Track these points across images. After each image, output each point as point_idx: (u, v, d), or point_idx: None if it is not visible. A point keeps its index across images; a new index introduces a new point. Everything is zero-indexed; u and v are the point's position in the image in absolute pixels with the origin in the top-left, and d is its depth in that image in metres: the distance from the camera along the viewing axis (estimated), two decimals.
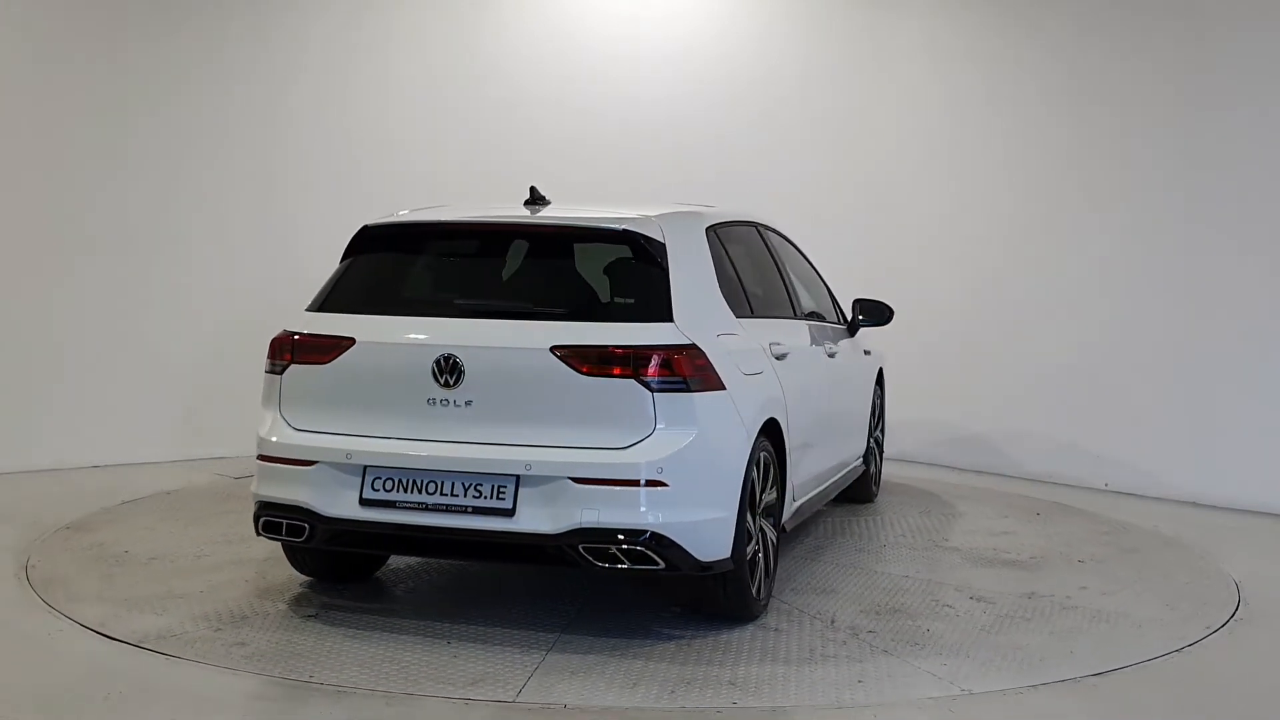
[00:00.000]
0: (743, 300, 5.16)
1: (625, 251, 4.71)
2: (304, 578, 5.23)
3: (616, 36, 9.16)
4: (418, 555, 4.97)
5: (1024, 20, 8.57)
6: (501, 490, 4.35)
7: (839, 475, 6.37)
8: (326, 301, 4.86)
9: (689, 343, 4.43)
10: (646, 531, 4.27)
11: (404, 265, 5.04)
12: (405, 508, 4.45)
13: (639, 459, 4.29)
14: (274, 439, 4.69)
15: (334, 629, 4.65)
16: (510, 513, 4.34)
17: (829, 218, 8.97)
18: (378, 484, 4.48)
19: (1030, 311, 8.51)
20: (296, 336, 4.74)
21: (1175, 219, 7.85)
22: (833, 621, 4.87)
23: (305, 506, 4.55)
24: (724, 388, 4.49)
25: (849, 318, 6.65)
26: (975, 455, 8.65)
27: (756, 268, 5.71)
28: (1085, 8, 8.27)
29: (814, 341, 5.91)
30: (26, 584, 5.20)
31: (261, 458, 4.72)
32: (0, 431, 7.64)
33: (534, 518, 4.31)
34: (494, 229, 5.03)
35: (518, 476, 4.34)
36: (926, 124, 9.10)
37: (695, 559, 4.36)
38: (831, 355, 6.09)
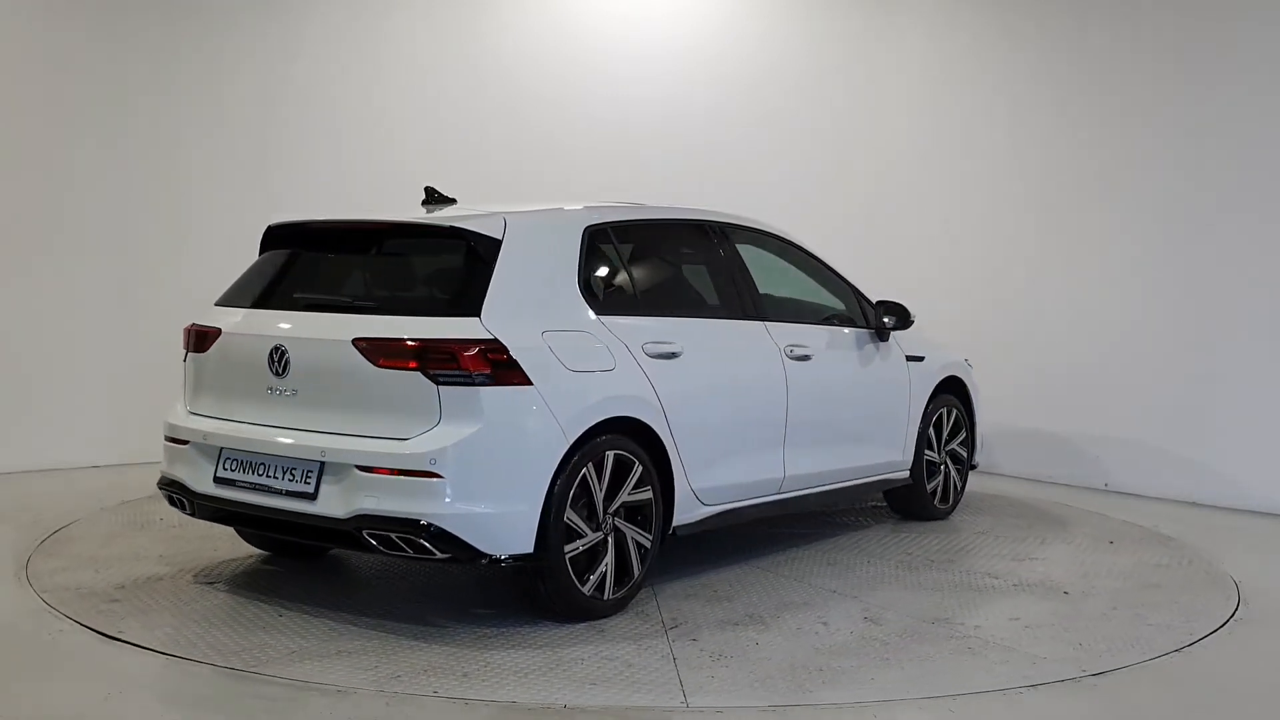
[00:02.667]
0: (630, 299, 5.22)
1: (457, 248, 4.80)
2: (256, 551, 5.67)
3: (616, 36, 9.15)
4: (257, 530, 5.19)
5: (1031, 16, 8.56)
6: (308, 475, 4.60)
7: (833, 485, 6.12)
8: (227, 295, 5.24)
9: (489, 338, 4.49)
10: (419, 520, 4.37)
11: (284, 261, 5.25)
12: (243, 487, 4.78)
13: (414, 450, 4.40)
14: (169, 420, 5.16)
15: (203, 598, 5.05)
16: (312, 496, 4.57)
17: (832, 218, 8.96)
18: (227, 464, 4.86)
19: (1032, 312, 8.51)
20: (193, 328, 5.18)
21: (1177, 220, 7.85)
22: (675, 627, 4.77)
23: (180, 481, 5.00)
24: (530, 383, 4.53)
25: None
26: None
27: (685, 267, 5.77)
28: (1091, 2, 8.25)
29: (762, 343, 5.65)
30: (26, 584, 5.20)
31: (164, 437, 5.16)
32: (0, 431, 7.65)
33: (330, 503, 4.52)
34: (346, 228, 5.15)
35: (321, 463, 4.56)
36: (932, 123, 9.09)
37: (479, 551, 4.44)
38: (803, 359, 5.78)
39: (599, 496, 4.77)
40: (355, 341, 4.55)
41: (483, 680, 4.13)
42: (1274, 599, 5.52)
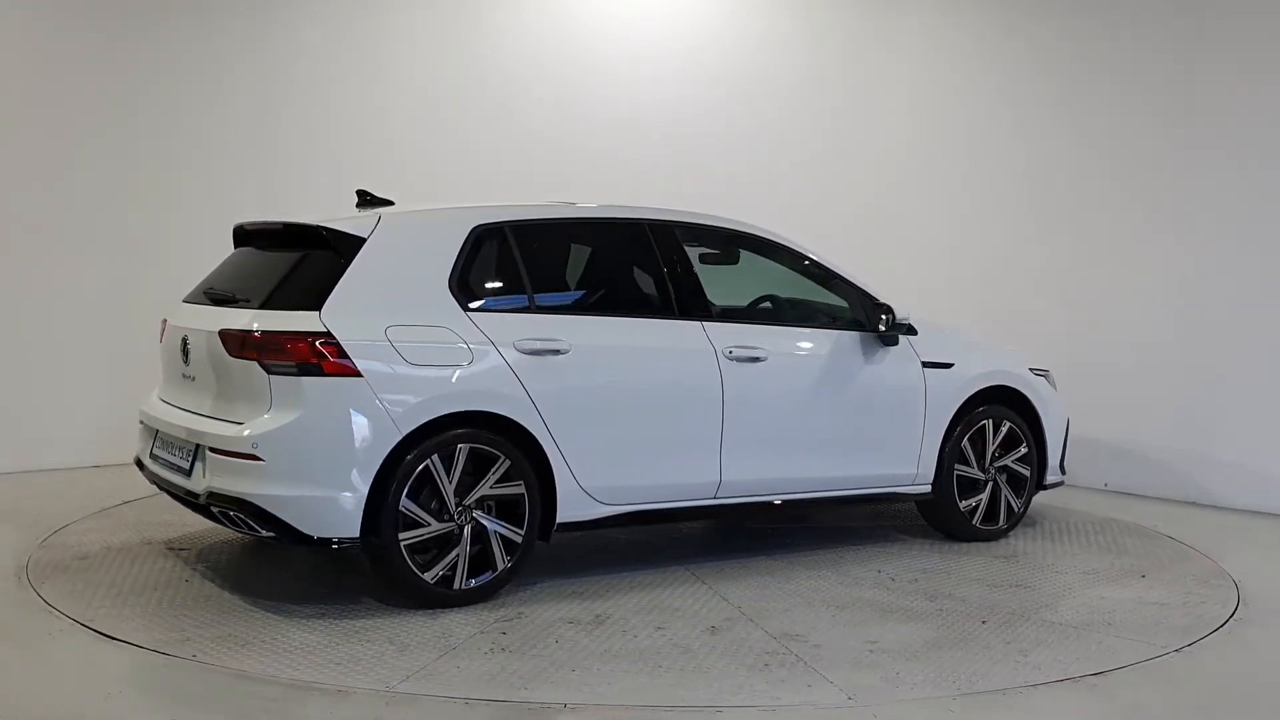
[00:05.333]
0: (515, 297, 5.28)
1: (325, 246, 5.08)
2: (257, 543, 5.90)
3: (616, 36, 9.13)
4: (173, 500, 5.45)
5: (1033, 14, 8.55)
6: (188, 453, 5.03)
7: (804, 494, 5.89)
8: (191, 291, 5.62)
9: (319, 331, 4.73)
10: (242, 499, 4.72)
11: (230, 260, 5.66)
12: (161, 463, 5.29)
13: (242, 434, 4.73)
14: (141, 405, 5.65)
15: (149, 566, 5.51)
16: (188, 473, 5.00)
17: (834, 218, 8.94)
18: (155, 442, 5.38)
19: (1032, 312, 8.50)
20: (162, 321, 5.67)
21: (1176, 219, 7.85)
22: (508, 620, 4.82)
23: (139, 457, 5.56)
24: (359, 375, 4.72)
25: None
26: None
27: (602, 267, 5.77)
28: None
29: (691, 343, 5.52)
30: (27, 584, 5.21)
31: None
32: (0, 431, 7.65)
33: (196, 479, 4.94)
34: (260, 229, 5.53)
35: (196, 444, 4.96)
36: (934, 121, 9.09)
37: (299, 532, 4.72)
38: (752, 360, 5.62)
39: (447, 489, 4.89)
40: (220, 332, 4.91)
41: (249, 651, 4.39)
42: (1274, 599, 5.52)
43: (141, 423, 5.56)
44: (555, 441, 5.12)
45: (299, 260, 5.15)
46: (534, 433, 5.07)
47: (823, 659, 4.49)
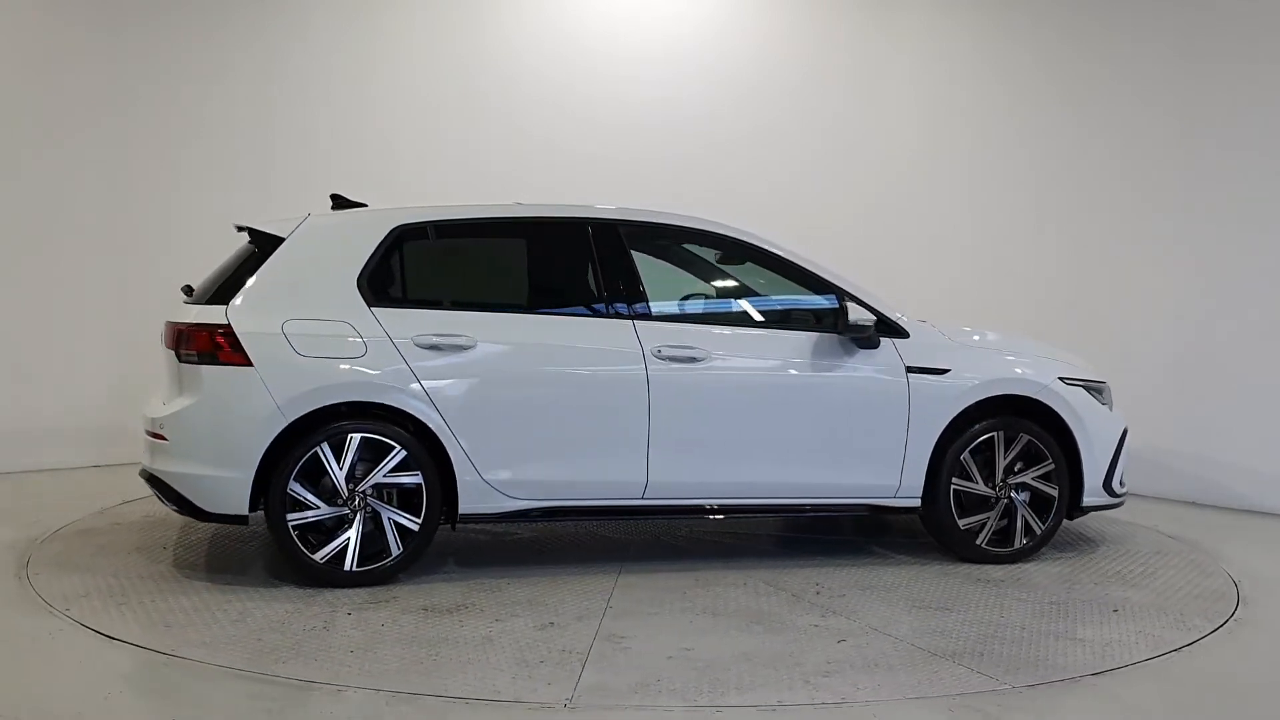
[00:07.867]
0: (425, 294, 5.51)
1: (253, 245, 5.47)
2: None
3: (616, 38, 9.12)
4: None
5: (1031, 12, 8.55)
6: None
7: (758, 499, 5.68)
8: None
9: (217, 323, 5.13)
10: (153, 475, 5.27)
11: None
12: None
13: (154, 415, 5.26)
14: None
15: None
16: (147, 456, 5.41)
17: (835, 221, 8.95)
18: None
19: (1034, 312, 8.49)
20: None
21: (1174, 217, 7.86)
22: (376, 602, 5.00)
23: None
24: (250, 364, 5.07)
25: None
26: None
27: (528, 265, 5.73)
28: None
29: (616, 341, 5.44)
30: (27, 584, 5.22)
31: None
32: (0, 431, 7.65)
33: (145, 460, 5.38)
34: (241, 230, 5.75)
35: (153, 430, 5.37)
36: (936, 121, 9.08)
37: (196, 507, 5.17)
38: (687, 360, 5.47)
39: (337, 475, 5.18)
40: (166, 326, 5.38)
41: (107, 612, 4.81)
42: (1274, 599, 5.52)
43: None
44: (454, 434, 5.28)
45: (246, 258, 5.45)
46: (430, 425, 5.25)
47: (609, 660, 4.39)
